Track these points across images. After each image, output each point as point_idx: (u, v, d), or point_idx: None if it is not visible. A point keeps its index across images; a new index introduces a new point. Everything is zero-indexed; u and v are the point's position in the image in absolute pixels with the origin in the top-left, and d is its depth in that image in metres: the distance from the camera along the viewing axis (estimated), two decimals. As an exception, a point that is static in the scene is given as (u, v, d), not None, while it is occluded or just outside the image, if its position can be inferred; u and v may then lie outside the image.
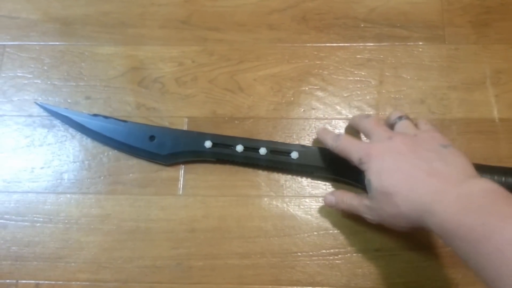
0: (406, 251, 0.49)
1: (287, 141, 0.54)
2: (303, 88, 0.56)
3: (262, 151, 0.50)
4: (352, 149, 0.44)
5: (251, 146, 0.51)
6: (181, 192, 0.52)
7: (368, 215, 0.44)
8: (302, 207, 0.51)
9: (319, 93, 0.56)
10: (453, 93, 0.55)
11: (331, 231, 0.50)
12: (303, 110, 0.55)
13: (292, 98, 0.56)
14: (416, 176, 0.39)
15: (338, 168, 0.49)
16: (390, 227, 0.43)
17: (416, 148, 0.42)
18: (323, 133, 0.49)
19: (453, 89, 0.55)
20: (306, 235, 0.50)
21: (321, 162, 0.50)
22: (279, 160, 0.50)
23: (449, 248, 0.48)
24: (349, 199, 0.46)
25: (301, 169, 0.51)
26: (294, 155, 0.50)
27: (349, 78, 0.56)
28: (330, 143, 0.47)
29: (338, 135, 0.47)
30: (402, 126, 0.47)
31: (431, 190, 0.38)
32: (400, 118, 0.48)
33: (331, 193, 0.49)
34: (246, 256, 0.49)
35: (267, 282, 0.48)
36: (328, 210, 0.51)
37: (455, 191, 0.37)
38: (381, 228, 0.49)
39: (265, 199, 0.51)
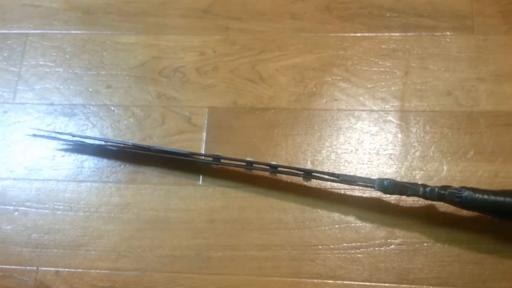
0: (430, 245, 0.47)
1: (308, 132, 0.53)
2: (326, 79, 0.55)
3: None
4: None
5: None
6: (200, 182, 0.52)
7: None
8: (323, 199, 0.50)
9: (342, 84, 0.54)
10: (481, 85, 0.53)
11: (353, 224, 0.49)
12: (325, 101, 0.54)
13: (314, 89, 0.55)
14: None
15: None
16: None
17: None
18: None
19: (481, 81, 0.53)
20: (327, 227, 0.49)
21: None
22: None
23: (475, 243, 0.47)
24: None
25: None
26: None
27: (374, 69, 0.55)
28: None
29: None
30: None
31: None
32: None
33: None
34: (265, 248, 0.49)
35: (286, 274, 0.48)
36: (350, 203, 0.49)
37: None
38: (404, 221, 0.47)
39: (286, 191, 0.50)
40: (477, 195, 0.43)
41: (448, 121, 0.52)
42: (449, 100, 0.52)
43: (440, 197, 0.44)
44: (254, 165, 0.49)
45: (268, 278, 0.48)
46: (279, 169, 0.49)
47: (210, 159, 0.50)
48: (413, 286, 0.46)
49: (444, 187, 0.44)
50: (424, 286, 0.46)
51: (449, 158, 0.50)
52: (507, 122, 0.51)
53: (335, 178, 0.47)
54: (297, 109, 0.54)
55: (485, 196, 0.43)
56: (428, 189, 0.44)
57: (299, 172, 0.48)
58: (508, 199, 0.43)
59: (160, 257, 0.49)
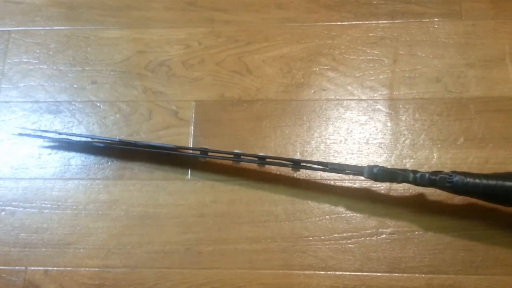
0: (421, 233, 0.47)
1: (297, 123, 0.52)
2: (314, 69, 0.54)
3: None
4: None
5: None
6: (189, 176, 0.51)
7: None
8: (313, 190, 0.50)
9: (330, 74, 0.54)
10: (470, 71, 0.52)
11: (343, 215, 0.48)
12: (314, 92, 0.53)
13: (302, 80, 0.54)
14: None
15: None
16: None
17: None
18: None
19: (470, 67, 0.52)
20: (317, 219, 0.49)
21: None
22: None
23: (467, 230, 0.46)
24: None
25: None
26: None
27: (361, 58, 0.54)
28: None
29: None
30: None
31: None
32: None
33: None
34: (256, 240, 0.48)
35: (277, 267, 0.47)
36: (340, 193, 0.49)
37: None
38: (395, 210, 0.47)
39: (275, 182, 0.50)
40: (468, 179, 0.43)
41: (437, 108, 0.51)
42: (438, 87, 0.52)
43: (431, 183, 0.44)
44: (242, 157, 0.49)
45: (259, 271, 0.47)
46: (267, 160, 0.48)
47: (198, 152, 0.50)
48: (405, 275, 0.46)
49: (435, 172, 0.44)
50: (416, 274, 0.46)
51: (439, 146, 0.50)
52: (496, 108, 0.51)
53: (323, 167, 0.47)
54: (285, 100, 0.53)
55: (477, 180, 0.43)
56: (418, 174, 0.44)
57: (287, 162, 0.48)
58: (500, 182, 0.42)
59: (149, 253, 0.49)
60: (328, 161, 0.48)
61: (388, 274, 0.46)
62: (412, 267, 0.46)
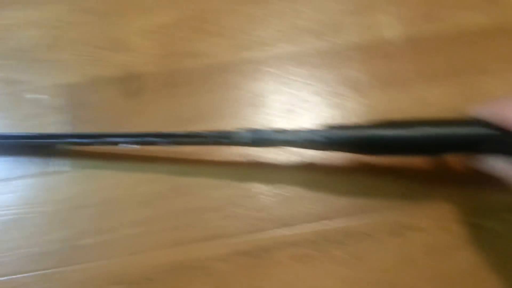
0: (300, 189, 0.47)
1: (182, 95, 0.49)
2: (194, 36, 0.51)
3: None
4: None
5: None
6: (67, 168, 0.48)
7: None
8: (195, 163, 0.48)
9: (211, 39, 0.51)
10: (346, 17, 0.51)
11: (228, 182, 0.48)
12: (195, 59, 0.51)
13: (183, 48, 0.51)
14: None
15: None
16: None
17: None
18: (472, 108, 0.40)
19: (347, 13, 0.52)
20: (203, 190, 0.47)
21: None
22: None
23: (349, 174, 0.47)
24: (504, 167, 0.38)
25: None
26: None
27: (241, 18, 0.52)
28: (481, 110, 0.38)
29: (493, 99, 0.38)
30: None
31: None
32: None
33: (493, 161, 0.40)
34: (143, 223, 0.46)
35: (168, 245, 0.46)
36: (223, 162, 0.48)
37: None
38: (276, 171, 0.47)
39: (157, 161, 0.48)
40: (345, 131, 0.42)
41: (315, 60, 0.50)
42: (313, 38, 0.51)
43: (310, 142, 0.43)
44: (116, 138, 0.46)
45: (149, 253, 0.45)
46: (146, 139, 0.45)
47: (69, 139, 0.46)
48: (293, 228, 0.46)
49: (311, 130, 0.43)
50: (309, 224, 0.46)
51: (320, 99, 0.49)
52: (377, 53, 0.50)
53: (202, 139, 0.45)
54: (166, 72, 0.50)
55: (354, 132, 0.42)
56: (293, 133, 0.43)
57: (162, 140, 0.45)
58: (377, 132, 0.42)
59: (27, 257, 0.45)
60: (211, 131, 0.46)
61: (280, 230, 0.46)
62: (300, 219, 0.47)
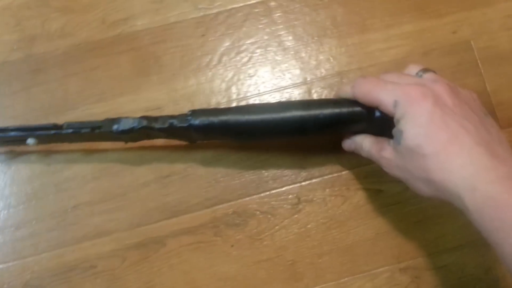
0: (196, 169, 0.44)
1: (44, 82, 0.45)
2: (48, 16, 0.46)
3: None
4: (385, 89, 0.35)
5: None
6: None
7: (386, 169, 0.37)
8: (75, 153, 0.44)
9: (64, 17, 0.46)
10: None
11: (113, 171, 0.44)
12: (56, 42, 0.46)
13: (37, 30, 0.46)
14: (463, 141, 0.32)
15: None
16: (410, 188, 0.35)
17: (463, 105, 0.33)
18: (341, 87, 0.40)
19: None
20: (85, 184, 0.43)
21: None
22: None
23: (239, 155, 0.44)
24: (368, 146, 0.38)
25: None
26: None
27: None
28: (351, 90, 0.37)
29: (361, 76, 0.38)
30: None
31: (477, 162, 0.31)
32: (424, 71, 0.37)
33: (350, 137, 0.41)
34: (19, 226, 0.42)
35: (48, 248, 0.42)
36: (108, 150, 0.44)
37: (505, 169, 0.31)
38: (162, 154, 0.43)
39: (20, 161, 0.43)
40: (211, 117, 0.38)
41: (192, 30, 0.47)
42: (187, 7, 0.47)
43: (173, 129, 0.39)
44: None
45: (27, 259, 0.41)
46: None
47: None
48: (188, 215, 0.43)
49: (171, 116, 0.39)
50: (200, 211, 0.43)
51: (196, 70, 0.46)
52: (255, 15, 0.47)
53: (57, 131, 0.40)
54: (22, 58, 0.45)
55: (221, 117, 0.38)
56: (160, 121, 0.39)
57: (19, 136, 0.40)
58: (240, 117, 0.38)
59: None
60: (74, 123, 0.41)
61: (173, 219, 0.43)
62: (194, 205, 0.43)
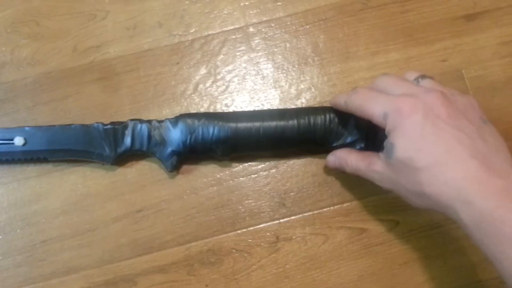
0: (170, 203, 0.42)
1: (10, 111, 0.43)
2: (17, 42, 0.45)
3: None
4: (375, 102, 0.34)
5: None
6: None
7: (378, 182, 0.36)
8: (43, 183, 0.42)
9: (35, 44, 0.45)
10: (192, 7, 0.46)
11: (81, 205, 0.42)
12: (20, 69, 0.44)
13: (5, 58, 0.44)
14: (457, 153, 0.31)
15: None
16: (404, 200, 0.35)
17: (458, 115, 0.32)
18: (335, 97, 0.39)
19: (193, 3, 0.46)
20: (53, 217, 0.42)
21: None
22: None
23: (217, 186, 0.42)
24: (355, 161, 0.38)
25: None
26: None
27: (67, 17, 0.45)
28: (343, 100, 0.37)
29: (354, 89, 0.37)
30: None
31: (471, 175, 0.30)
32: (422, 77, 0.36)
33: (333, 154, 0.40)
34: (-16, 263, 0.41)
35: (14, 285, 0.40)
36: (77, 176, 0.42)
37: (500, 182, 0.30)
38: (134, 187, 0.41)
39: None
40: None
41: (166, 57, 0.45)
42: (161, 34, 0.45)
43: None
44: None
45: (-9, 298, 0.40)
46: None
47: None
48: (161, 252, 0.41)
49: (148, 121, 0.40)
50: (173, 248, 0.41)
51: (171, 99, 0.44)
52: (234, 41, 0.45)
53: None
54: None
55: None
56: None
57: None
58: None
59: None
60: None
61: (145, 256, 0.41)
62: (167, 242, 0.42)
